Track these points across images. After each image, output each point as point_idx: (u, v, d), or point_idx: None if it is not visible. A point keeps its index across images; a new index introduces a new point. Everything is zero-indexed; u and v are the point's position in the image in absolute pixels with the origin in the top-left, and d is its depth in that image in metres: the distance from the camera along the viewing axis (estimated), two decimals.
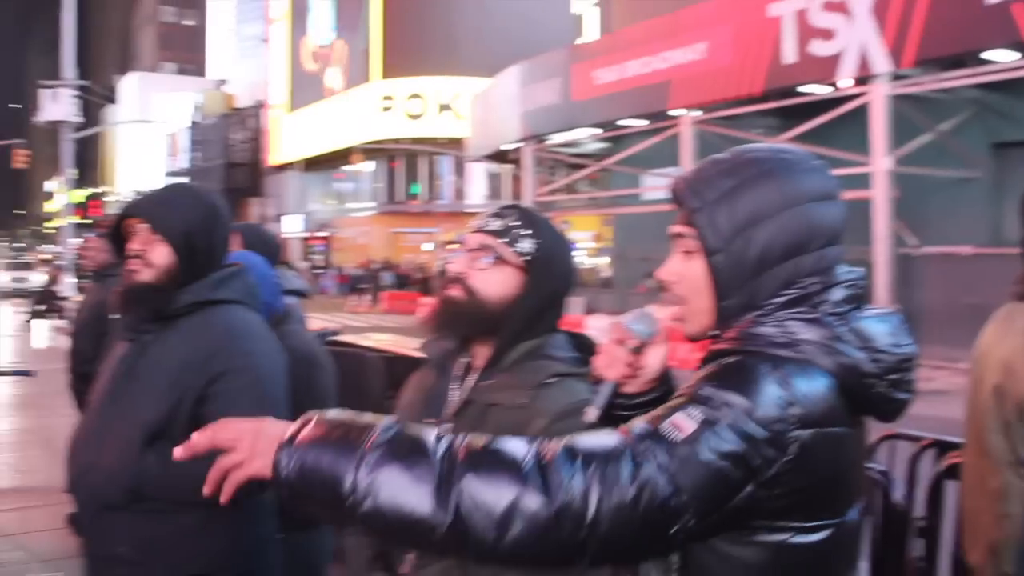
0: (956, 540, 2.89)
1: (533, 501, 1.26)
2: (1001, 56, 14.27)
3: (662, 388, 1.61)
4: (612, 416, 1.56)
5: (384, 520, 1.29)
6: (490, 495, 1.27)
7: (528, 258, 2.07)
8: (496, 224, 2.10)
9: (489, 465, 1.30)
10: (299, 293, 3.85)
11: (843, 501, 1.43)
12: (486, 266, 2.06)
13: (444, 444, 1.33)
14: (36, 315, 23.53)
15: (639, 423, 1.36)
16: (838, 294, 1.45)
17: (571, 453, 1.30)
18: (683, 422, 1.32)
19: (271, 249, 3.57)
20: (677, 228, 1.53)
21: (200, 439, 1.39)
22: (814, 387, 1.35)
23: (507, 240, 2.07)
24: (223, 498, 1.36)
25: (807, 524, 1.38)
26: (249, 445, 1.36)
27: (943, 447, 3.49)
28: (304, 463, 1.31)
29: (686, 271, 1.52)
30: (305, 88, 52.57)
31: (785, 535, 1.37)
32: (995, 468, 2.22)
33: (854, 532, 1.49)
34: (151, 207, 2.54)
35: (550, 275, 2.09)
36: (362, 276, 37.17)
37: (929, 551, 3.39)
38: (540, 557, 1.29)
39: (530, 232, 2.09)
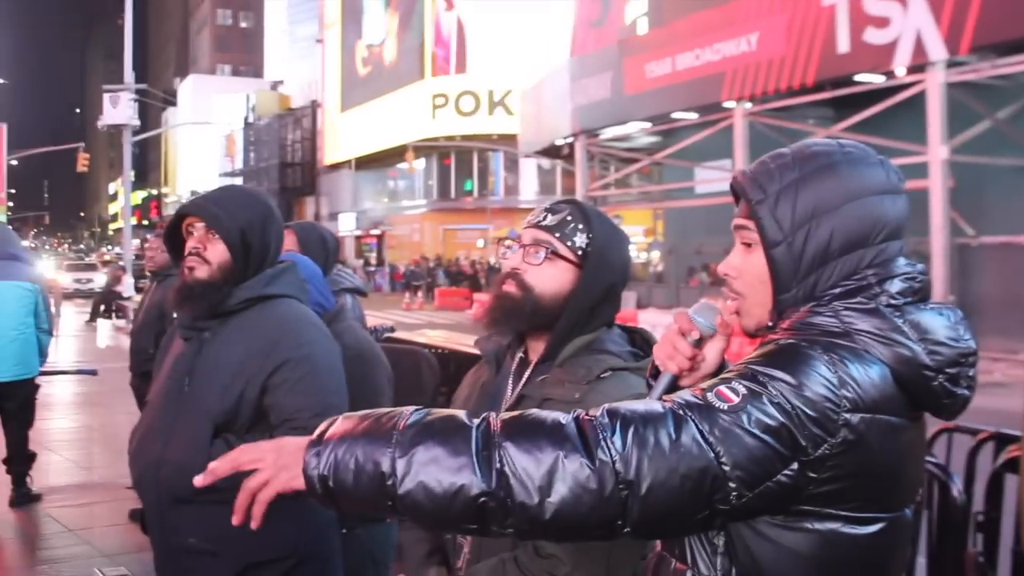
0: (1016, 534, 2.89)
1: (574, 461, 1.26)
2: None
3: None
4: None
5: (426, 498, 1.28)
6: (531, 458, 1.27)
7: (582, 252, 2.06)
8: (550, 219, 2.09)
9: (528, 430, 1.30)
10: (355, 291, 3.90)
11: (898, 496, 1.40)
12: (540, 261, 2.06)
13: (479, 419, 1.33)
14: (98, 315, 24.06)
15: (684, 393, 1.35)
16: (896, 286, 1.42)
17: (612, 415, 1.30)
18: (728, 393, 1.30)
19: (327, 247, 3.61)
20: (738, 221, 1.52)
21: (221, 464, 1.39)
22: (868, 373, 1.33)
23: (561, 235, 2.06)
24: (254, 523, 1.37)
25: (859, 515, 1.35)
26: (273, 461, 1.36)
27: (1002, 440, 3.47)
28: (337, 456, 1.31)
29: (746, 265, 1.51)
30: (358, 88, 52.98)
31: (835, 524, 1.34)
32: None
33: (908, 530, 1.45)
34: (208, 206, 2.62)
35: (604, 269, 2.08)
36: (415, 273, 37.39)
37: (988, 546, 3.33)
38: (584, 521, 1.27)
39: (584, 226, 2.08)
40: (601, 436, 1.27)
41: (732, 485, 1.27)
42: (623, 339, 2.13)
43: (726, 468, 1.26)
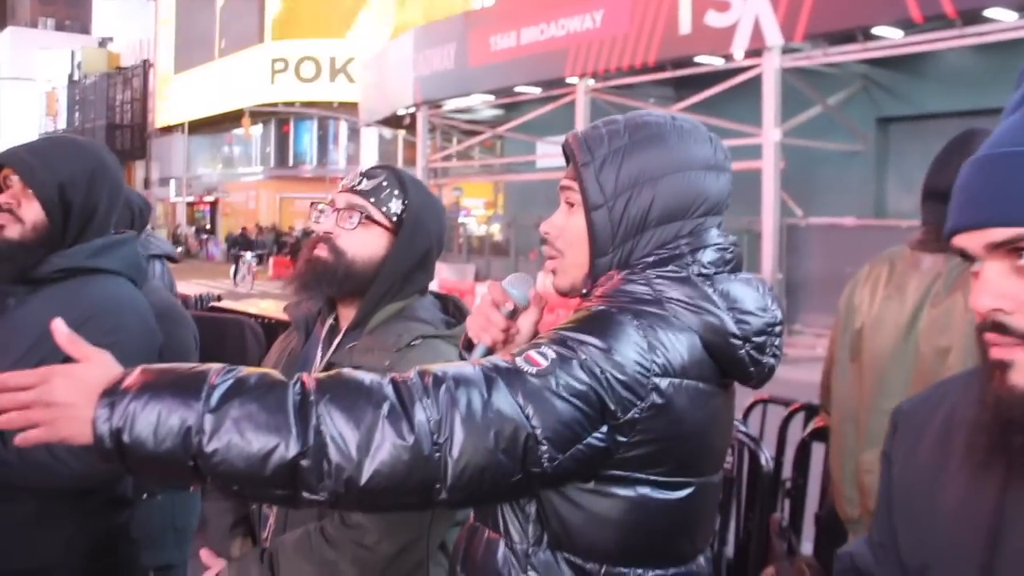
0: (820, 498, 2.98)
1: (393, 422, 1.23)
2: (888, 32, 14.54)
3: None
4: None
5: (237, 457, 1.19)
6: (349, 417, 1.22)
7: (397, 218, 2.05)
8: (365, 184, 2.07)
9: (346, 390, 1.25)
10: (166, 257, 3.68)
11: (706, 461, 1.44)
12: (354, 226, 2.03)
13: (294, 377, 1.27)
14: None
15: (495, 357, 1.35)
16: (708, 256, 1.47)
17: (424, 376, 1.28)
18: (537, 357, 1.31)
19: (134, 211, 3.34)
20: (564, 181, 1.54)
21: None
22: (677, 339, 1.36)
23: (376, 200, 2.05)
24: (20, 439, 1.22)
25: (667, 479, 1.38)
26: (60, 398, 1.22)
27: (812, 411, 3.56)
28: (136, 408, 1.19)
29: (567, 224, 1.54)
30: (193, 48, 50.94)
31: (644, 488, 1.37)
32: None
33: (715, 495, 1.52)
34: (24, 156, 2.22)
35: (419, 236, 2.07)
36: (246, 241, 36.28)
37: (795, 511, 3.49)
38: (401, 486, 1.24)
39: (400, 192, 2.07)
40: (417, 396, 1.25)
41: (543, 448, 1.27)
42: (436, 307, 2.14)
43: (537, 430, 1.26)
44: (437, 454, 1.23)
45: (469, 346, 1.62)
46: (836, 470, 2.41)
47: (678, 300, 1.40)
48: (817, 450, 3.12)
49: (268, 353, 2.29)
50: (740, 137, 15.64)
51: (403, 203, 2.06)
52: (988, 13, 13.15)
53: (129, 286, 2.32)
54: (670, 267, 1.44)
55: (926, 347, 2.14)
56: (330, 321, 2.14)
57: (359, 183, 2.07)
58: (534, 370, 1.30)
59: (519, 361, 1.32)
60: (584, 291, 1.52)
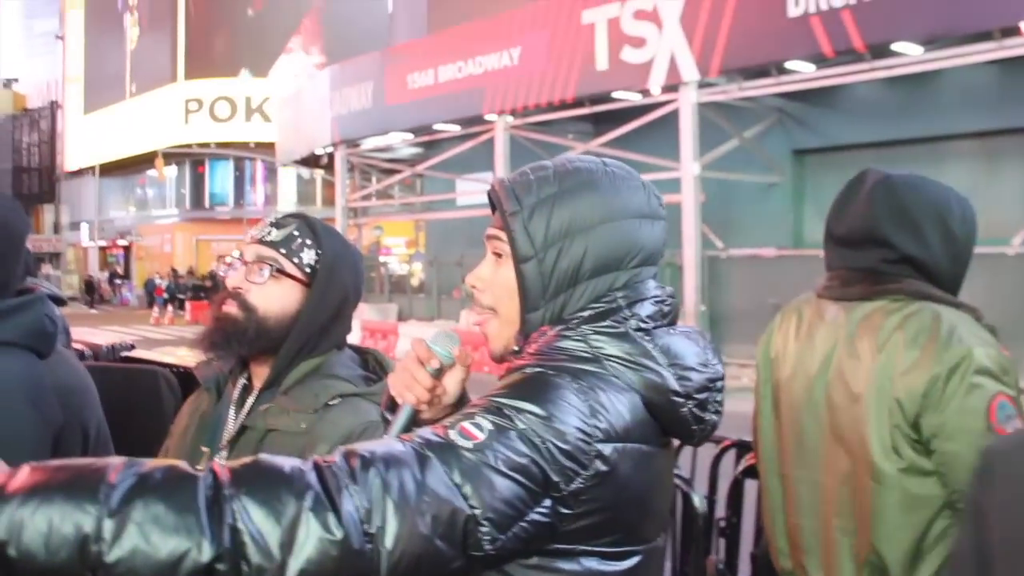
0: (755, 537, 2.96)
1: (317, 514, 1.11)
2: (800, 67, 14.82)
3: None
4: None
5: (143, 568, 1.05)
6: (269, 512, 1.10)
7: (310, 270, 1.93)
8: (275, 234, 1.94)
9: (263, 481, 1.13)
10: (54, 299, 3.45)
11: (652, 525, 1.36)
12: (265, 280, 1.91)
13: (206, 470, 1.14)
14: None
15: (425, 431, 1.25)
16: (647, 309, 1.40)
17: (350, 458, 1.17)
18: (472, 430, 1.22)
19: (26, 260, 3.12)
20: (491, 231, 1.46)
21: None
22: (618, 401, 1.29)
23: (287, 251, 1.92)
24: None
25: (614, 550, 1.30)
26: None
27: (743, 447, 3.54)
28: (24, 516, 1.04)
29: (496, 277, 1.46)
30: (104, 88, 49.95)
31: (590, 561, 1.28)
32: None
33: (661, 558, 1.44)
34: None
35: (335, 287, 1.95)
36: (164, 287, 35.48)
37: (730, 550, 3.45)
38: None
39: (312, 242, 1.95)
40: (343, 483, 1.14)
41: (484, 529, 1.18)
42: (355, 362, 2.03)
43: (477, 511, 1.17)
44: (369, 546, 1.12)
45: (392, 406, 1.51)
46: (767, 523, 2.36)
47: (617, 357, 1.33)
48: (750, 487, 3.07)
49: (178, 416, 2.13)
50: (659, 171, 15.76)
51: (316, 253, 1.94)
52: (895, 47, 13.49)
53: (24, 359, 1.94)
54: (607, 322, 1.36)
55: (837, 397, 2.10)
56: (242, 381, 2.01)
57: (268, 233, 1.95)
58: (470, 444, 1.20)
59: (452, 435, 1.22)
60: (516, 348, 1.43)
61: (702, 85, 16.02)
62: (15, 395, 1.88)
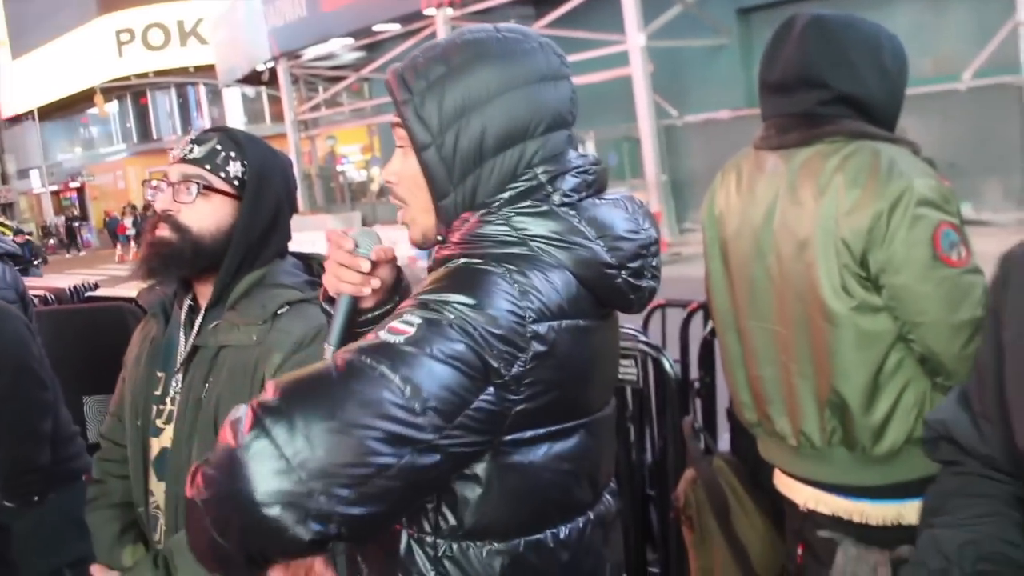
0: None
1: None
2: None
3: (397, 298, 1.52)
4: (350, 335, 1.43)
5: None
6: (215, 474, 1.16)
7: (239, 182, 1.90)
8: (197, 151, 1.91)
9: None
10: (10, 256, 3.47)
11: (598, 396, 1.36)
12: (193, 198, 1.87)
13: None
14: None
15: (358, 343, 1.23)
16: (569, 182, 1.35)
17: (288, 397, 1.18)
18: (402, 327, 1.20)
19: None
20: (394, 121, 1.40)
21: None
22: (549, 280, 1.26)
23: (212, 167, 1.89)
24: None
25: (563, 426, 1.30)
26: None
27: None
28: None
29: (404, 169, 1.40)
30: (29, 31, 48.44)
31: (543, 445, 1.29)
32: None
33: (610, 426, 1.43)
34: None
35: (266, 197, 1.92)
36: (129, 224, 35.10)
37: (707, 410, 3.48)
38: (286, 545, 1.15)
39: (236, 153, 1.91)
40: (273, 431, 1.14)
41: (433, 419, 1.16)
42: (299, 268, 2.01)
43: (420, 405, 1.16)
44: (312, 483, 1.15)
45: (331, 301, 1.50)
46: (729, 378, 2.39)
47: (543, 237, 1.29)
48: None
49: (129, 345, 2.11)
50: (605, 47, 15.60)
51: (242, 164, 1.90)
52: None
53: None
54: (529, 201, 1.32)
55: (784, 245, 2.11)
56: (188, 302, 1.99)
57: (190, 151, 1.91)
58: (402, 339, 1.18)
59: (383, 335, 1.20)
60: (439, 237, 1.39)
61: None
62: None
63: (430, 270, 1.37)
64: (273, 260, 1.95)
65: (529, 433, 1.27)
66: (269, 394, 1.18)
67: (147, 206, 36.69)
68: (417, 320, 1.20)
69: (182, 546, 1.73)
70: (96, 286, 7.22)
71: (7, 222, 9.15)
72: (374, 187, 24.74)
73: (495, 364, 1.19)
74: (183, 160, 1.90)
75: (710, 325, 3.33)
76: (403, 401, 1.15)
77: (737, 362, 2.33)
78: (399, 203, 1.44)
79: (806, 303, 2.08)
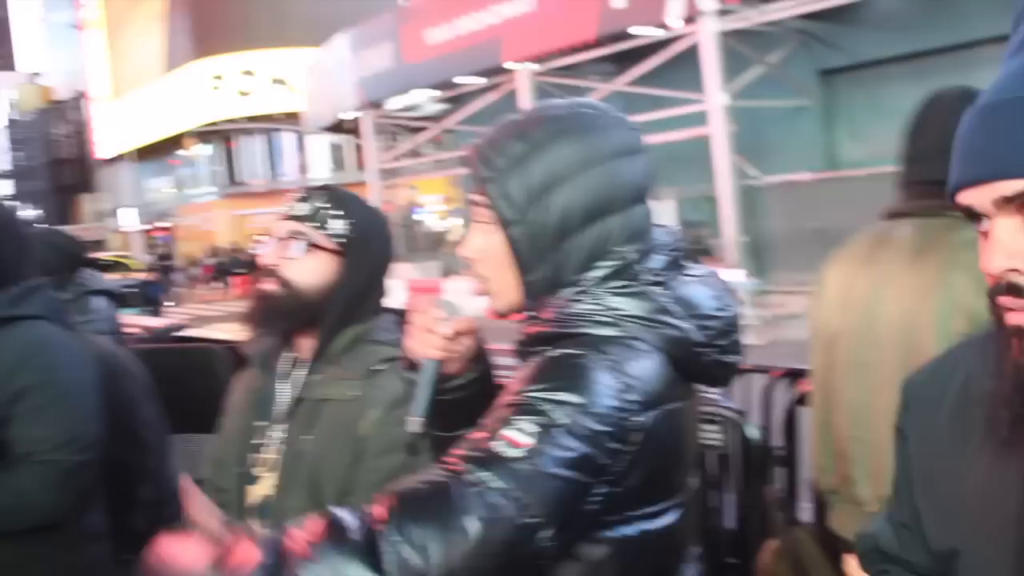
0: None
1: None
2: None
3: (480, 367, 1.53)
4: (434, 404, 1.45)
5: None
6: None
7: (342, 240, 1.97)
8: (303, 208, 1.99)
9: (320, 552, 1.18)
10: (106, 293, 3.61)
11: (687, 472, 1.39)
12: (298, 254, 1.96)
13: (268, 545, 1.22)
14: None
15: (467, 447, 1.24)
16: (658, 261, 1.38)
17: (401, 513, 1.19)
18: (517, 436, 1.20)
19: (64, 253, 3.30)
20: (473, 198, 1.43)
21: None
22: (646, 367, 1.28)
23: (317, 224, 1.97)
24: None
25: (657, 508, 1.32)
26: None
27: (795, 375, 3.52)
28: None
29: (487, 245, 1.42)
30: (128, 74, 50.19)
31: (637, 523, 1.30)
32: None
33: (694, 502, 1.45)
34: None
35: (367, 254, 2.01)
36: (215, 264, 35.94)
37: (790, 479, 3.44)
38: None
39: (341, 212, 1.99)
40: (395, 543, 1.16)
41: (546, 530, 1.19)
42: (395, 324, 2.03)
43: (537, 518, 1.18)
44: None
45: (414, 366, 1.51)
46: (814, 441, 2.41)
47: (636, 317, 1.32)
48: (805, 415, 3.07)
49: (232, 393, 2.21)
50: (686, 105, 15.65)
51: (346, 223, 1.98)
52: None
53: (52, 327, 2.35)
54: (622, 281, 1.34)
55: (898, 312, 2.10)
56: (289, 354, 2.07)
57: (296, 208, 2.00)
58: (519, 452, 1.19)
59: (498, 447, 1.21)
60: (530, 313, 1.41)
61: (722, 13, 15.79)
62: (61, 351, 2.31)
63: (520, 345, 1.40)
64: (371, 316, 2.01)
65: (626, 514, 1.29)
66: (382, 510, 1.20)
67: (235, 249, 37.63)
68: (532, 428, 1.20)
69: None
70: (180, 327, 7.42)
71: (129, 257, 9.55)
72: (452, 237, 24.96)
73: (605, 462, 1.22)
74: (289, 217, 1.99)
75: (795, 393, 3.31)
76: (521, 520, 1.17)
77: (826, 423, 2.31)
78: (479, 278, 1.45)
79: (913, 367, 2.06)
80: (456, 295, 1.46)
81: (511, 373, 1.45)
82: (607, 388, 1.23)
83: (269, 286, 1.96)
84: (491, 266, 1.42)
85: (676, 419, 1.31)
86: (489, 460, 1.20)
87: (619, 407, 1.23)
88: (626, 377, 1.25)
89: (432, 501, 1.19)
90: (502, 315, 1.46)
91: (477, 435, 1.26)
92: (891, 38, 15.43)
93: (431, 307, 1.46)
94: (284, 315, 1.96)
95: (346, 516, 1.21)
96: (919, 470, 1.22)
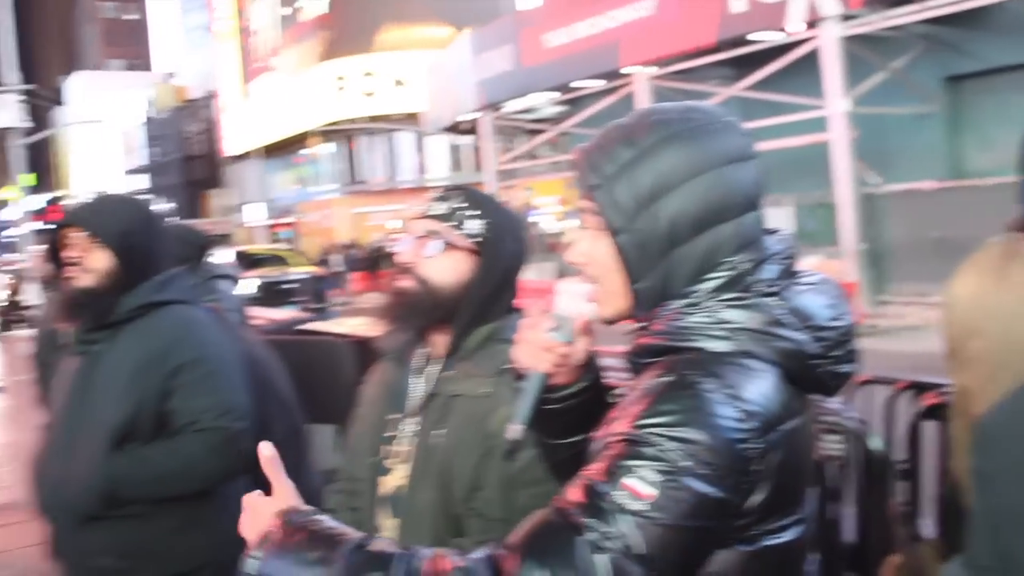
0: (939, 479, 2.87)
1: None
2: None
3: (589, 376, 1.49)
4: (541, 412, 1.45)
5: None
6: None
7: (478, 240, 2.00)
8: (441, 208, 2.03)
9: None
10: (227, 277, 3.85)
11: (804, 487, 1.34)
12: (435, 252, 2.00)
13: (402, 555, 1.26)
14: (2, 327, 23.12)
15: (587, 494, 1.20)
16: (771, 271, 1.33)
17: (526, 564, 1.18)
18: (639, 486, 1.17)
19: (189, 245, 3.62)
20: (581, 203, 1.40)
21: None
22: (762, 389, 1.24)
23: (454, 223, 2.00)
24: None
25: (781, 523, 1.28)
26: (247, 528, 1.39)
27: (919, 388, 3.42)
28: (273, 571, 1.28)
29: (595, 251, 1.39)
30: (257, 74, 51.84)
31: (761, 540, 1.27)
32: None
33: (812, 513, 1.40)
34: (87, 215, 2.58)
35: (502, 254, 2.02)
36: (340, 259, 36.69)
37: (912, 494, 3.30)
38: None
39: (477, 212, 2.02)
40: None
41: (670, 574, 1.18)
42: None
43: (663, 569, 1.17)
44: None
45: (522, 375, 1.46)
46: (958, 461, 2.29)
47: (749, 330, 1.28)
48: (928, 429, 3.04)
49: (367, 386, 2.27)
50: (806, 111, 15.45)
51: (482, 223, 2.01)
52: None
53: (194, 309, 2.66)
54: (735, 293, 1.30)
55: None
56: (423, 349, 2.11)
57: (433, 208, 2.03)
58: (643, 505, 1.16)
59: (620, 498, 1.17)
60: (639, 322, 1.39)
61: (844, 18, 15.54)
62: (209, 329, 2.64)
63: (631, 356, 1.39)
64: (503, 315, 2.03)
65: (750, 532, 1.26)
66: (511, 564, 1.19)
67: (352, 244, 38.35)
68: (654, 478, 1.17)
69: None
70: (305, 320, 7.68)
71: (298, 252, 9.91)
72: (567, 239, 25.05)
73: (730, 497, 1.19)
74: (426, 216, 2.03)
75: (920, 406, 3.23)
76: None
77: (962, 449, 2.22)
78: (589, 281, 1.42)
79: None
80: (569, 298, 1.42)
81: (620, 377, 1.45)
82: (726, 420, 1.19)
83: (406, 283, 2.00)
84: (599, 272, 1.40)
85: (795, 437, 1.27)
86: (611, 513, 1.17)
87: (739, 439, 1.19)
88: (744, 403, 1.21)
89: (558, 560, 1.17)
90: (610, 322, 1.43)
91: (596, 475, 1.22)
92: (1022, 44, 14.97)
93: (542, 319, 1.43)
94: (419, 312, 1.99)
95: (477, 567, 1.22)
96: (1011, 515, 1.17)
